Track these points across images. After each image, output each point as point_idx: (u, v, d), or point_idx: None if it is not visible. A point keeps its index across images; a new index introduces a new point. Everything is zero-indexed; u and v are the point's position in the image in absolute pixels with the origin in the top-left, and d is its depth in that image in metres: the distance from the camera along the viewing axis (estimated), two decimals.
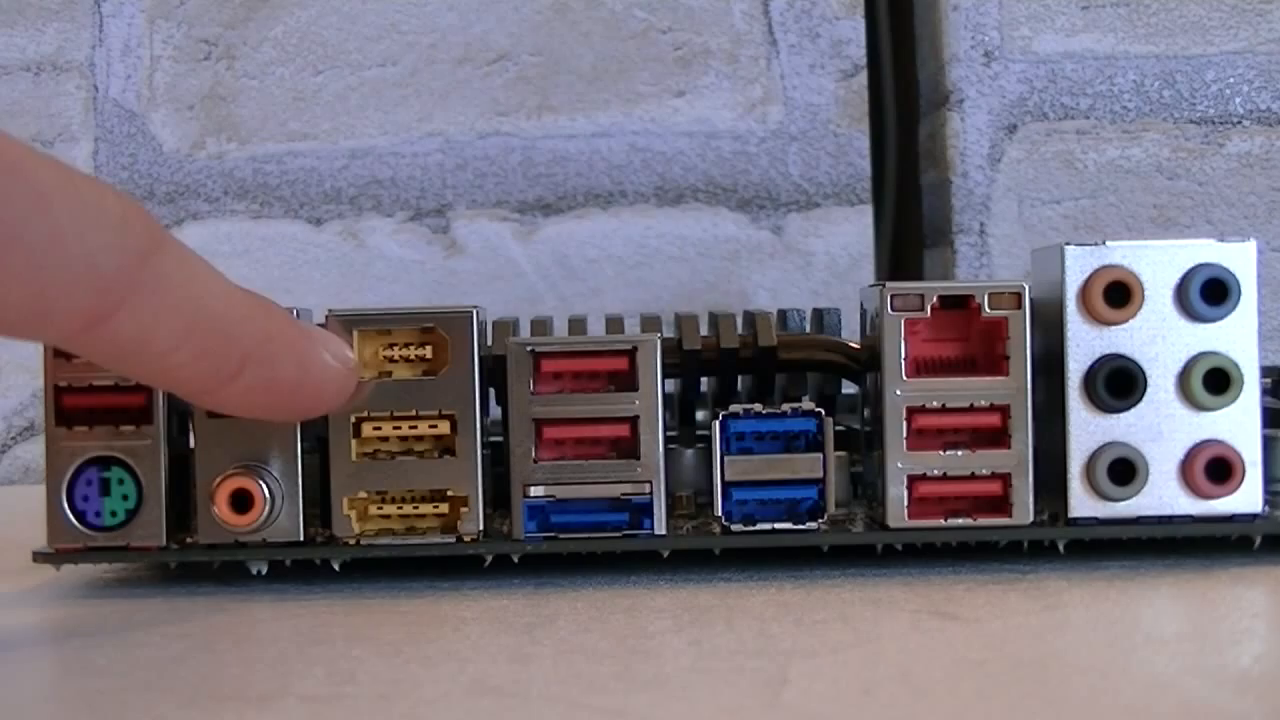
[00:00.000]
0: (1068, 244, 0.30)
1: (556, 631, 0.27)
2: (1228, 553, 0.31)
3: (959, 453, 0.31)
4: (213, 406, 0.27)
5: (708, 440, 0.31)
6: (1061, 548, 0.31)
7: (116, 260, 0.23)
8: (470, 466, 0.30)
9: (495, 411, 0.32)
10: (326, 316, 0.31)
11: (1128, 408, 0.30)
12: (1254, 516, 0.31)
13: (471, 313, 0.31)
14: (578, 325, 0.37)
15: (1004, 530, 0.31)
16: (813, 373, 0.35)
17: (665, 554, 0.31)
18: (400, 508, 0.31)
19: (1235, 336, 0.30)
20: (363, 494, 0.31)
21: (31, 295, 0.23)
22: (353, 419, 0.30)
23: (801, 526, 0.31)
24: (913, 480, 0.31)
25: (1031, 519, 0.31)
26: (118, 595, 0.31)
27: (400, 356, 0.31)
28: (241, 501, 0.30)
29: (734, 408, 0.31)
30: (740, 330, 0.34)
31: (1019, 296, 0.31)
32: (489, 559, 0.31)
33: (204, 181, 0.56)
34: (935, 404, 0.31)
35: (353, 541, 0.31)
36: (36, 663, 0.26)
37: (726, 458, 0.31)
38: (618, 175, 0.56)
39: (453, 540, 0.31)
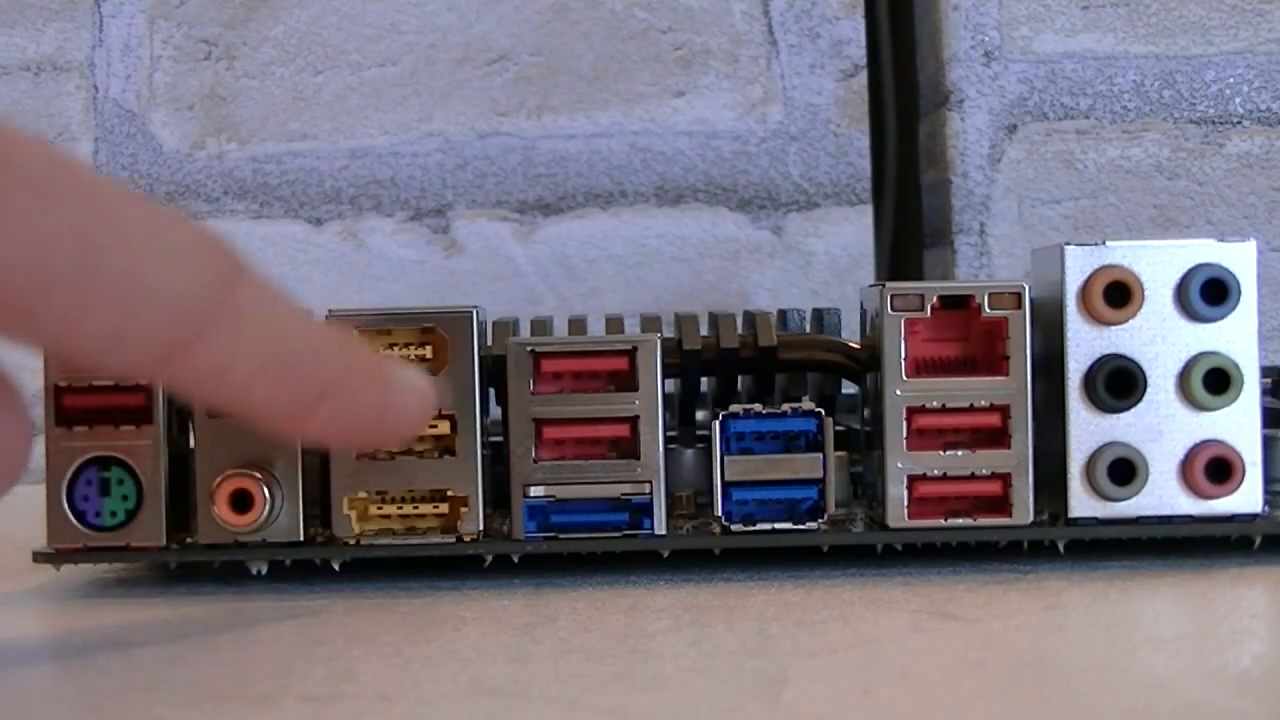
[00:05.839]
0: (1068, 244, 0.30)
1: (556, 631, 0.27)
2: (1228, 553, 0.31)
3: (959, 453, 0.31)
4: (293, 437, 0.27)
5: (708, 440, 0.31)
6: (1061, 548, 0.31)
7: (196, 293, 0.23)
8: (470, 466, 0.30)
9: (495, 411, 0.32)
10: (327, 316, 0.31)
11: (1128, 408, 0.30)
12: (1254, 516, 0.31)
13: (471, 313, 0.31)
14: (578, 325, 0.37)
15: (1004, 530, 0.31)
16: (813, 373, 0.35)
17: (665, 554, 0.31)
18: (400, 508, 0.31)
19: (1235, 336, 0.30)
20: (363, 494, 0.31)
21: (110, 328, 0.22)
22: None
23: (801, 526, 0.31)
24: (913, 480, 0.31)
25: (1031, 519, 0.31)
26: (118, 595, 0.31)
27: (400, 356, 0.31)
28: (241, 501, 0.30)
29: (734, 408, 0.31)
30: (740, 330, 0.34)
31: (1019, 296, 0.31)
32: (489, 559, 0.31)
33: (204, 181, 0.56)
34: (935, 404, 0.31)
35: (353, 541, 0.31)
36: (36, 663, 0.26)
37: (726, 458, 0.31)
38: (618, 175, 0.56)
39: (453, 540, 0.31)
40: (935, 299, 0.31)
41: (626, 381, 0.31)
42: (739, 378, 0.34)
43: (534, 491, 0.30)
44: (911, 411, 0.31)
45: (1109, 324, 0.30)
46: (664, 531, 0.31)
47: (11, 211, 0.21)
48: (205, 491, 0.30)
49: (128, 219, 0.22)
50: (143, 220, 0.23)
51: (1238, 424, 0.30)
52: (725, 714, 0.21)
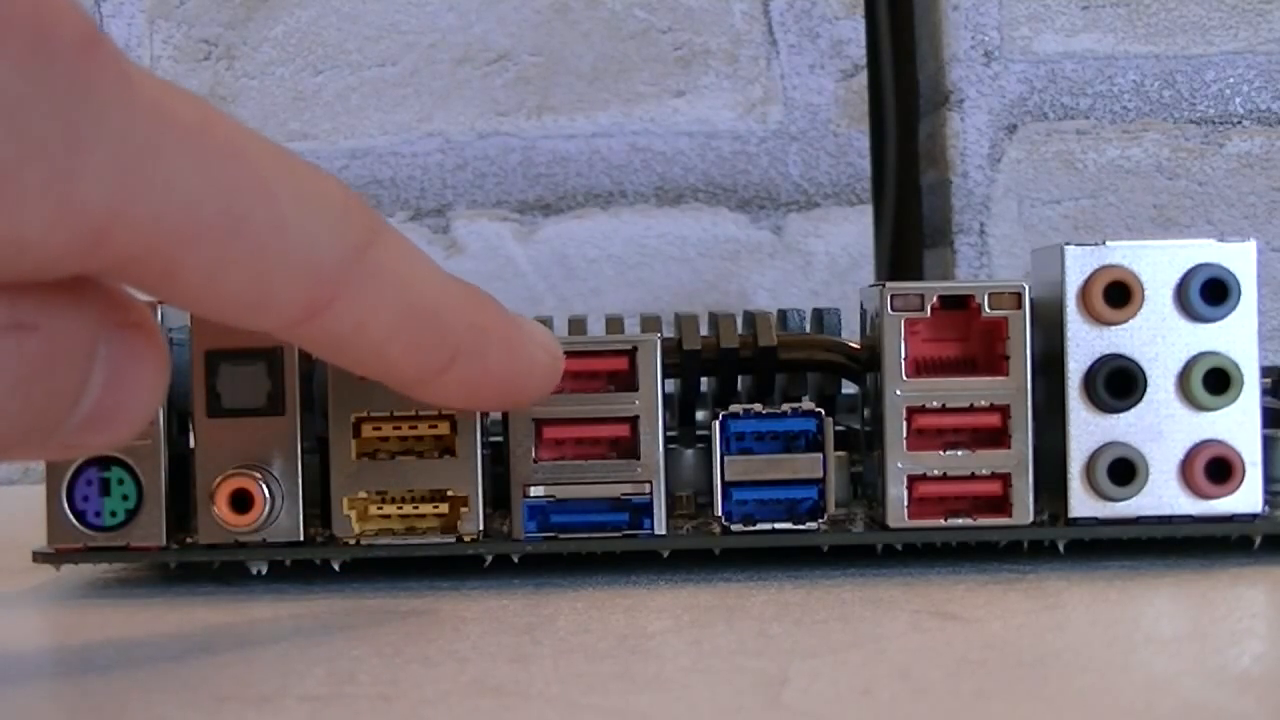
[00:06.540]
0: (1068, 244, 0.30)
1: (556, 631, 0.27)
2: (1228, 553, 0.31)
3: (959, 453, 0.31)
4: (424, 398, 0.26)
5: (708, 440, 0.31)
6: (1061, 548, 0.31)
7: (338, 250, 0.22)
8: (470, 466, 0.30)
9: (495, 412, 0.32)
10: None
11: (1128, 408, 0.30)
12: (1254, 516, 0.31)
13: None
14: (578, 325, 0.37)
15: (1004, 530, 0.31)
16: (813, 373, 0.35)
17: (665, 554, 0.31)
18: (400, 508, 0.31)
19: (1235, 336, 0.30)
20: (363, 494, 0.31)
21: (252, 284, 0.22)
22: (353, 419, 0.30)
23: (801, 526, 0.31)
24: (913, 480, 0.30)
25: (1031, 519, 0.31)
26: (118, 595, 0.31)
27: None
28: (241, 501, 0.30)
29: (734, 408, 0.31)
30: (740, 330, 0.34)
31: (1019, 296, 0.31)
32: (489, 559, 0.31)
33: None
34: (935, 404, 0.31)
35: (353, 541, 0.30)
36: (37, 663, 0.26)
37: (726, 458, 0.31)
38: (618, 175, 0.56)
39: (453, 540, 0.31)
40: (935, 299, 0.31)
41: (626, 381, 0.31)
42: (739, 378, 0.34)
43: (534, 491, 0.30)
44: (911, 411, 0.31)
45: (1109, 324, 0.30)
46: (664, 531, 0.31)
47: (161, 164, 0.20)
48: (205, 491, 0.30)
49: (272, 172, 0.22)
50: (287, 173, 0.22)
51: (1238, 424, 0.30)
52: (725, 714, 0.21)
